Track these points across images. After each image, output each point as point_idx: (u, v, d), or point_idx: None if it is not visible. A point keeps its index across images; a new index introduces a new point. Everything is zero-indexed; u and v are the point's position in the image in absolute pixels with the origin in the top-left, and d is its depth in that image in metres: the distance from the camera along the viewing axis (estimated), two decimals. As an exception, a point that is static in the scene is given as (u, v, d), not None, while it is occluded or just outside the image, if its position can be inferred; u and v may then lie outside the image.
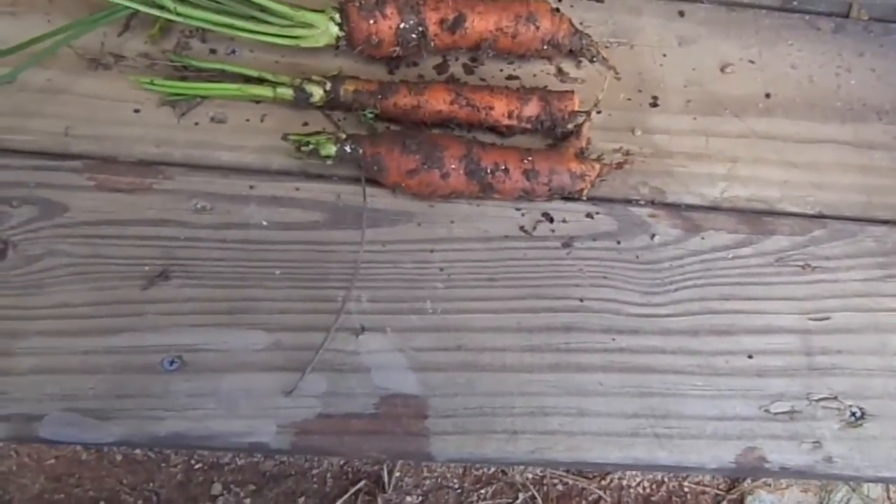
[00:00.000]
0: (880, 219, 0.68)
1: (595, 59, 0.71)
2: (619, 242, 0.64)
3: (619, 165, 0.65)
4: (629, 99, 0.70)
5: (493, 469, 1.02)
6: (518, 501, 0.99)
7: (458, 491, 1.00)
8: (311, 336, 0.59)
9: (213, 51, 0.68)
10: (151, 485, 0.98)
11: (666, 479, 1.05)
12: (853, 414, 0.61)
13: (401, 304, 0.61)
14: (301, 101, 0.64)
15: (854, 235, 0.67)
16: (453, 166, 0.61)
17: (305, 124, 0.66)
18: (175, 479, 0.99)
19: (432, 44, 0.66)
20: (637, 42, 0.73)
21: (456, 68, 0.70)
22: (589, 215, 0.65)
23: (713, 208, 0.67)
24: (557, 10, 0.68)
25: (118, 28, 0.68)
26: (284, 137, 0.62)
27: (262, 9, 0.63)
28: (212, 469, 0.99)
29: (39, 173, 0.62)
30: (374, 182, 0.64)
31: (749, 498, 1.03)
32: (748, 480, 1.04)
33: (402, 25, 0.64)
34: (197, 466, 1.00)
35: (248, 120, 0.66)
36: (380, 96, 0.64)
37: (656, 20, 0.74)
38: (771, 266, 0.65)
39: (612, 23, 0.73)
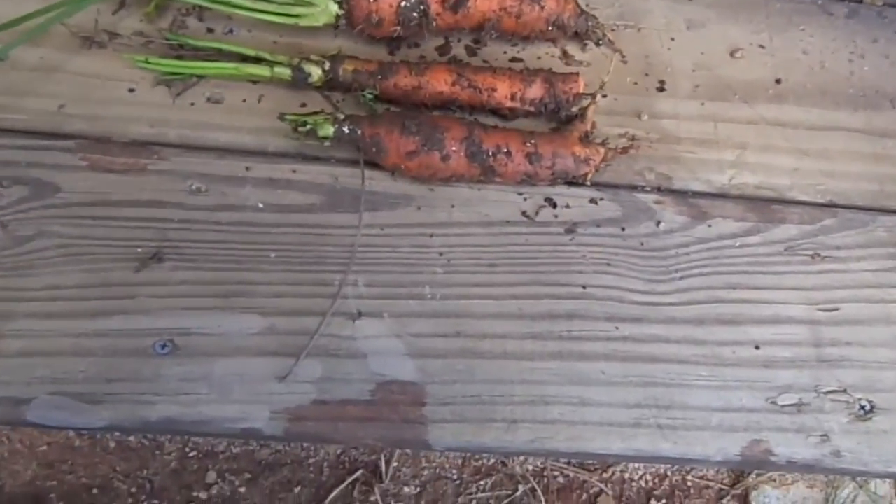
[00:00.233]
0: (892, 208, 0.66)
1: (601, 41, 0.69)
2: (623, 229, 0.63)
3: (625, 150, 0.64)
4: (636, 83, 0.69)
5: (492, 460, 1.01)
6: (518, 493, 0.98)
7: (457, 482, 0.99)
8: (307, 321, 0.57)
9: (210, 30, 0.67)
10: (145, 472, 0.97)
11: (669, 473, 1.03)
12: (862, 407, 0.59)
13: (399, 290, 0.59)
14: (299, 82, 0.63)
15: (865, 225, 0.65)
16: (454, 148, 0.60)
17: (303, 105, 0.64)
18: (169, 467, 0.97)
19: (434, 24, 0.64)
20: (644, 25, 0.71)
21: (458, 50, 0.68)
22: (593, 201, 0.64)
23: (721, 195, 0.65)
24: (563, -10, 0.66)
25: (113, 6, 0.66)
26: (281, 117, 0.61)
27: (260, -14, 0.62)
28: (206, 457, 0.98)
29: (31, 153, 0.61)
30: (372, 164, 0.62)
31: (754, 493, 1.01)
32: (752, 475, 1.03)
33: (402, 4, 0.63)
34: (191, 454, 0.98)
35: (244, 100, 0.64)
36: (379, 77, 0.63)
37: (664, 3, 0.72)
38: (779, 255, 0.63)
39: (619, 5, 0.71)
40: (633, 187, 0.65)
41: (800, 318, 0.61)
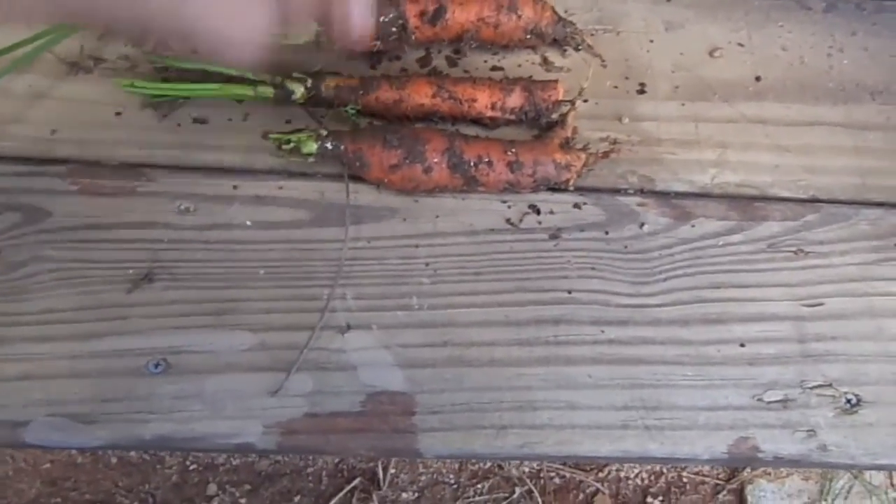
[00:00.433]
0: (875, 201, 0.67)
1: (580, 47, 0.70)
2: (607, 233, 0.64)
3: (606, 154, 0.64)
4: (616, 86, 0.69)
5: (489, 464, 1.02)
6: (515, 495, 0.98)
7: (455, 486, 0.99)
8: (297, 335, 0.58)
9: (194, 51, 0.67)
10: (147, 486, 0.98)
11: (665, 470, 1.04)
12: (848, 401, 0.60)
13: (386, 301, 0.60)
14: (283, 99, 0.64)
15: (848, 219, 0.66)
16: (436, 160, 0.61)
17: (288, 121, 0.65)
18: (170, 481, 0.99)
19: (413, 37, 0.65)
20: (623, 28, 0.72)
21: (439, 61, 0.69)
22: (576, 206, 0.64)
23: (703, 195, 0.66)
24: (540, -2, 0.67)
25: (98, 31, 0.67)
26: (265, 136, 0.62)
27: (240, 7, 0.63)
28: (207, 469, 1.00)
29: (22, 179, 0.62)
30: (357, 178, 0.63)
31: (749, 487, 1.02)
32: (748, 470, 1.03)
33: (381, 19, 0.63)
34: (192, 467, 1.00)
35: (230, 119, 0.66)
36: (361, 92, 0.64)
37: (642, 5, 0.73)
38: (763, 252, 0.64)
39: (597, 9, 0.72)
40: (616, 191, 0.65)
41: (784, 315, 0.62)
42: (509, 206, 0.64)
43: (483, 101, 0.64)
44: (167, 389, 0.57)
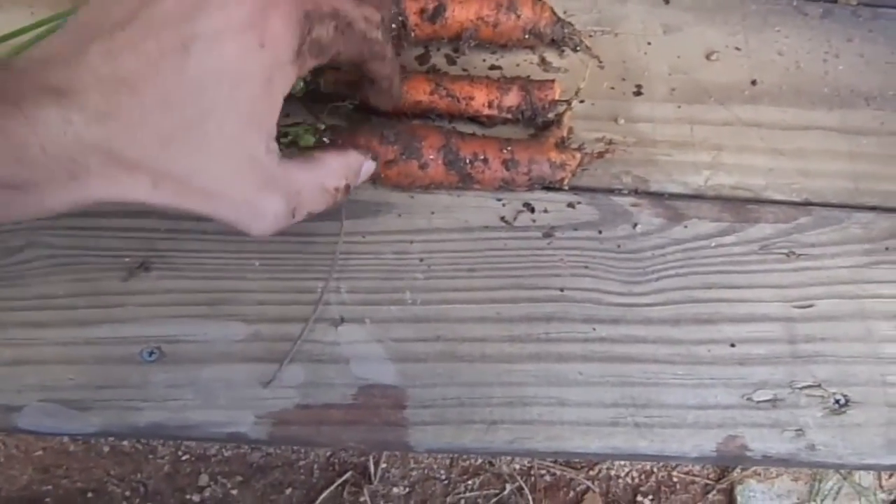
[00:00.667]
0: (867, 205, 0.67)
1: (578, 48, 0.70)
2: (600, 232, 0.64)
3: (601, 155, 0.65)
4: (613, 88, 0.70)
5: (479, 460, 1.02)
6: (505, 492, 0.99)
7: (445, 482, 1.00)
8: (291, 327, 0.59)
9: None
10: (139, 476, 0.98)
11: (655, 470, 1.04)
12: (837, 401, 0.60)
13: (380, 296, 0.61)
14: (281, 93, 0.64)
15: (840, 222, 0.66)
16: (432, 157, 0.61)
17: (287, 115, 0.66)
18: (162, 471, 0.99)
19: (413, 34, 0.66)
20: (621, 30, 0.72)
21: (438, 59, 0.69)
22: (570, 205, 0.65)
23: (697, 197, 0.66)
24: (540, -2, 0.68)
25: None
26: (263, 129, 0.62)
27: None
28: (199, 460, 1.00)
29: (21, 167, 0.62)
30: (354, 173, 0.63)
31: (739, 487, 1.02)
32: (738, 470, 1.04)
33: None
34: (184, 458, 1.00)
35: (229, 112, 0.66)
36: (359, 87, 0.64)
37: (641, 8, 0.73)
38: (755, 254, 0.64)
39: (596, 11, 0.73)
40: (610, 191, 0.66)
41: (775, 316, 0.62)
42: (504, 204, 0.64)
43: (480, 99, 0.64)
44: (161, 378, 0.57)
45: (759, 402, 0.60)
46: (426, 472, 1.00)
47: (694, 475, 1.02)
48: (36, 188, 0.40)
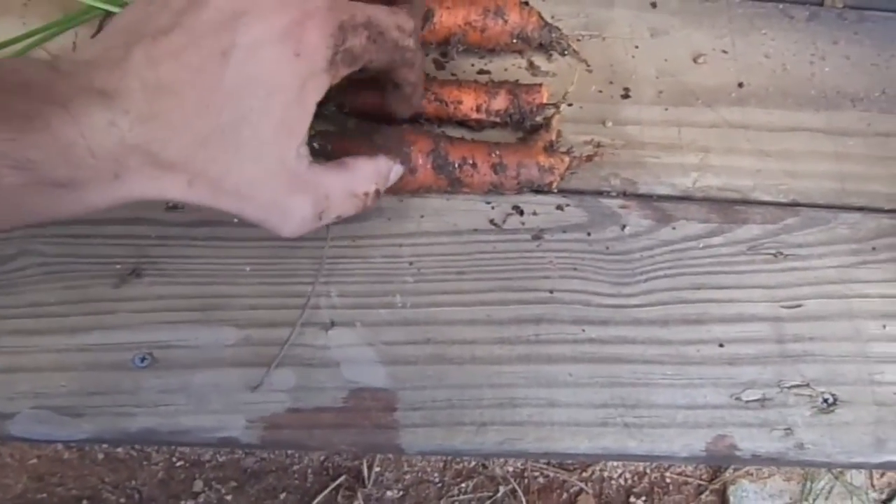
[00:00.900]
0: (854, 206, 0.68)
1: (566, 52, 0.71)
2: (589, 234, 0.65)
3: (589, 158, 0.65)
4: (600, 91, 0.70)
5: (473, 462, 1.02)
6: (499, 495, 0.99)
7: (439, 485, 1.00)
8: (281, 331, 0.59)
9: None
10: (133, 482, 0.99)
11: (648, 471, 1.04)
12: (825, 400, 0.60)
13: (370, 299, 0.61)
14: (271, 99, 0.65)
15: (827, 223, 0.67)
16: (421, 161, 0.62)
17: (277, 122, 0.66)
18: (157, 477, 0.99)
19: (401, 39, 0.66)
20: (609, 34, 0.73)
21: (426, 63, 0.70)
22: (559, 207, 0.65)
23: (685, 198, 0.67)
24: (526, 3, 0.68)
25: (92, 29, 0.68)
26: (253, 135, 0.63)
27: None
28: (193, 466, 1.00)
29: (13, 175, 0.63)
30: (344, 178, 0.64)
31: (731, 488, 1.03)
32: (730, 470, 1.04)
33: (369, 22, 0.64)
34: (178, 464, 1.00)
35: (219, 119, 0.66)
36: (349, 92, 0.64)
37: (628, 11, 0.74)
38: (743, 255, 0.65)
39: (583, 15, 0.73)
40: (599, 193, 0.66)
41: (763, 316, 0.63)
42: (493, 207, 0.65)
43: (468, 103, 0.65)
44: (153, 383, 0.57)
45: (747, 401, 0.60)
46: (420, 475, 1.00)
47: (686, 476, 1.02)
48: (81, 186, 0.42)
